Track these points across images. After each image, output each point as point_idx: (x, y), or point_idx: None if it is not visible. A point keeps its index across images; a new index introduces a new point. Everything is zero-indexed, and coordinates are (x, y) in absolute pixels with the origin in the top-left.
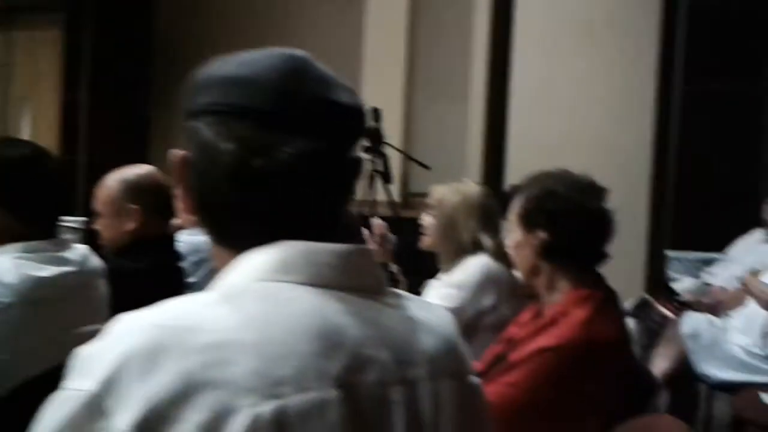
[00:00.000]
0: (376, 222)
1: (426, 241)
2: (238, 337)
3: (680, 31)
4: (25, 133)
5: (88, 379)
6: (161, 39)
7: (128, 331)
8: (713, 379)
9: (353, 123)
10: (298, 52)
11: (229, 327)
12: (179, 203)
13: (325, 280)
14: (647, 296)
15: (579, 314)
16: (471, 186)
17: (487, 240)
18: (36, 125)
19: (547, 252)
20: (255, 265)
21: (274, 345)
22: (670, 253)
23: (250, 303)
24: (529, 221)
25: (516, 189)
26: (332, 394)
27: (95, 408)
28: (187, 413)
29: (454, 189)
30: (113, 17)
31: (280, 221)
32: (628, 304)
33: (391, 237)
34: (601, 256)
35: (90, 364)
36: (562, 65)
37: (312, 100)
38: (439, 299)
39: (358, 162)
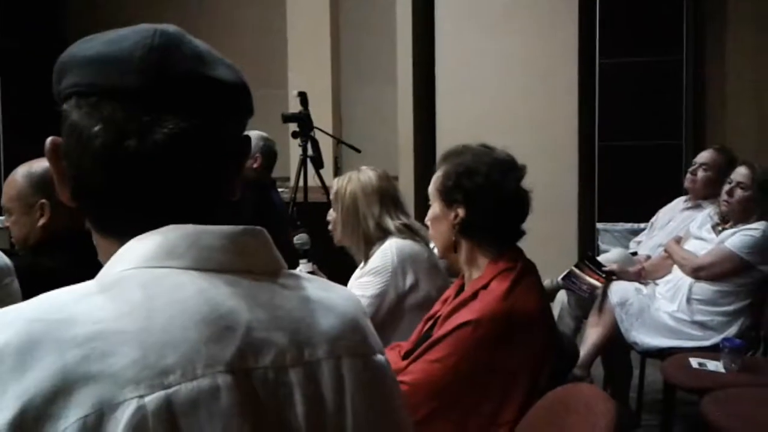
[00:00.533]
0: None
1: (336, 237)
2: (118, 326)
3: (598, 6)
4: None
5: None
6: (72, 27)
7: (1, 326)
8: (642, 346)
9: (232, 99)
10: (171, 27)
11: (107, 317)
12: (59, 193)
13: (212, 263)
14: (574, 268)
15: (499, 287)
16: (367, 173)
17: (390, 223)
18: None
19: (464, 228)
20: (137, 251)
21: (158, 333)
22: (600, 226)
23: (131, 291)
24: (447, 197)
25: (438, 162)
26: (224, 380)
27: None
28: (66, 409)
29: (349, 178)
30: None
31: (159, 205)
32: (560, 277)
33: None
34: (519, 233)
35: None
36: (486, 44)
37: (184, 76)
38: (359, 289)
39: (241, 140)
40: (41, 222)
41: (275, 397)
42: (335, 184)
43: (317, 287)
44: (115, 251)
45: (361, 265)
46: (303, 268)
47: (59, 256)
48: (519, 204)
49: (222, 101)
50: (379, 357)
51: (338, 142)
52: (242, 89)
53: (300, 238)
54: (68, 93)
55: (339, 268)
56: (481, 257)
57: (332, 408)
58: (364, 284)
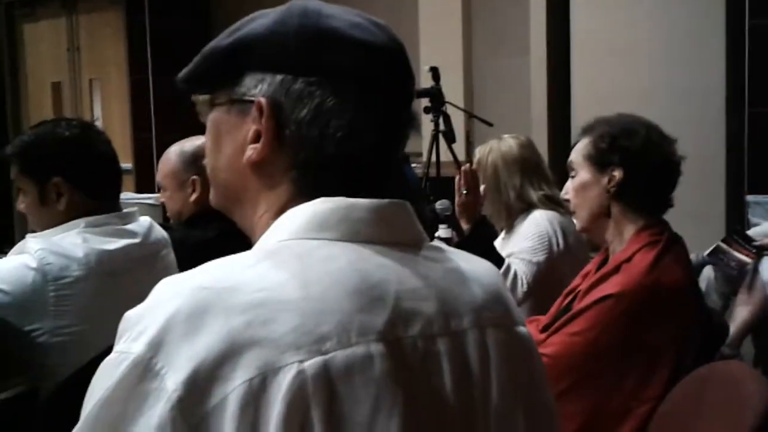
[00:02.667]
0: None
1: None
2: (279, 295)
3: None
4: (98, 114)
5: (136, 342)
6: (219, 8)
7: (172, 294)
8: None
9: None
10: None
11: (269, 286)
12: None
13: (362, 236)
14: (721, 243)
15: (643, 260)
16: (507, 141)
17: (533, 194)
18: (107, 106)
19: (619, 192)
20: (293, 224)
21: (314, 302)
22: (750, 198)
23: (289, 261)
24: (601, 160)
25: (581, 131)
26: (376, 348)
27: (145, 369)
28: (233, 372)
29: (490, 148)
30: None
31: (326, 170)
32: (705, 252)
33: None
34: (668, 203)
35: (136, 327)
36: (623, 11)
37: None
38: (527, 256)
39: (412, 115)
40: (193, 197)
41: (424, 365)
42: (477, 152)
43: (460, 258)
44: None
45: (502, 234)
46: (442, 233)
47: (210, 229)
48: (674, 170)
49: (377, 67)
50: (522, 329)
51: (470, 116)
52: (396, 52)
53: (442, 203)
54: (327, 71)
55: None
56: (628, 227)
57: (478, 377)
58: (526, 250)
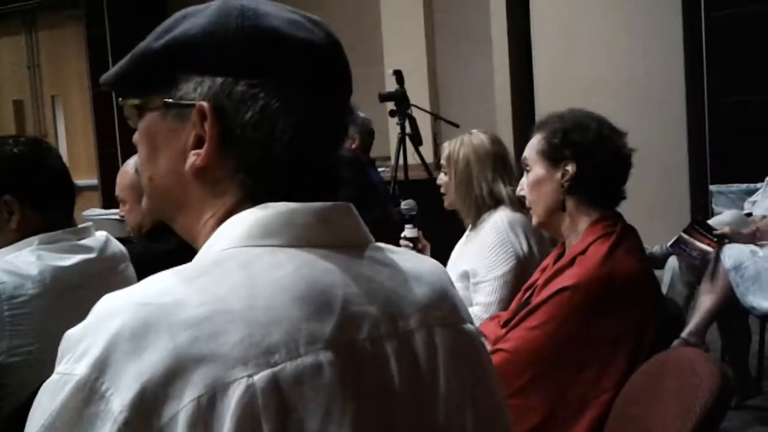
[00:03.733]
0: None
1: (446, 201)
2: (224, 307)
3: None
4: (61, 130)
5: (79, 363)
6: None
7: (113, 311)
8: (761, 310)
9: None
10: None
11: (212, 299)
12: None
13: (306, 240)
14: (683, 233)
15: (597, 252)
16: (479, 136)
17: (503, 189)
18: (70, 122)
19: (573, 186)
20: (235, 231)
21: (261, 312)
22: (713, 188)
23: (232, 271)
24: (554, 155)
25: (535, 128)
26: (325, 356)
27: (90, 391)
28: (181, 390)
29: (461, 141)
30: (127, 5)
31: (265, 171)
32: (669, 243)
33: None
34: (621, 196)
35: (79, 347)
36: (582, 7)
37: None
38: (487, 271)
39: (346, 110)
40: None
41: (373, 368)
42: (446, 147)
43: (405, 258)
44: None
45: (467, 231)
46: (408, 232)
47: (170, 240)
48: (625, 163)
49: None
50: (469, 326)
51: (436, 118)
52: (328, 49)
53: (407, 203)
54: (261, 71)
55: (442, 236)
56: (582, 220)
57: (427, 376)
58: (490, 265)
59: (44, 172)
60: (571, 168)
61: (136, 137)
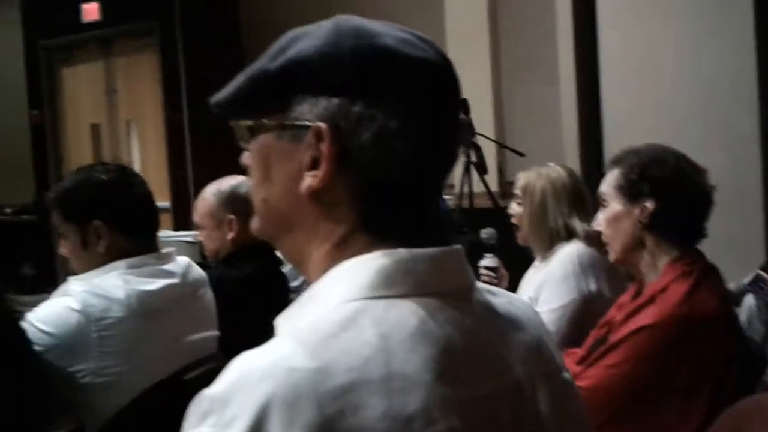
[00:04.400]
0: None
1: (520, 235)
2: (366, 376)
3: None
4: (135, 154)
5: (229, 429)
6: (250, 47)
7: (262, 374)
8: None
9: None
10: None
11: (356, 365)
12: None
13: (424, 289)
14: (760, 271)
15: (677, 290)
16: (556, 169)
17: (578, 224)
18: (144, 146)
19: (652, 223)
20: (359, 279)
21: (397, 380)
22: None
23: (367, 330)
24: (632, 191)
25: (611, 162)
26: (456, 419)
27: None
28: None
29: (539, 174)
30: (202, 35)
31: (386, 214)
32: (745, 280)
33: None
34: (702, 233)
35: (227, 411)
36: (653, 35)
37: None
38: (545, 303)
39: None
40: (230, 236)
41: (492, 423)
42: (521, 178)
43: (505, 303)
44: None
45: (536, 262)
46: (488, 262)
47: (245, 267)
48: (707, 199)
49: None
50: (566, 374)
51: (501, 146)
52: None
53: (487, 232)
54: (383, 91)
55: (509, 266)
56: (662, 258)
57: (535, 429)
58: (548, 298)
59: (131, 198)
60: (649, 204)
61: (247, 159)
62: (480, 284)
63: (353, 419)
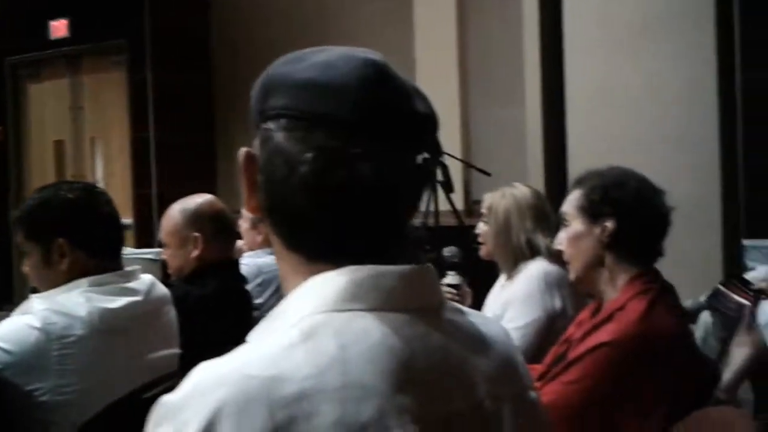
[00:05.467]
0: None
1: (484, 250)
2: (320, 384)
3: (737, 20)
4: (100, 172)
5: None
6: (220, 66)
7: (216, 381)
8: None
9: (428, 132)
10: (376, 56)
11: (312, 373)
12: (245, 202)
13: (391, 304)
14: (720, 286)
15: (635, 308)
16: (521, 188)
17: (542, 241)
18: (108, 163)
19: (612, 242)
20: (325, 293)
21: (353, 389)
22: (746, 242)
23: (327, 341)
24: (594, 211)
25: (573, 183)
26: (411, 430)
27: None
28: None
29: (503, 193)
30: (171, 53)
31: (352, 233)
32: (703, 296)
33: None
34: (659, 252)
35: (179, 417)
36: (618, 61)
37: (395, 110)
38: (510, 321)
39: (429, 172)
40: (194, 254)
41: None
42: (487, 198)
43: (474, 322)
44: (297, 267)
45: (501, 279)
46: (451, 279)
47: (209, 285)
48: (664, 220)
49: (418, 133)
50: (532, 394)
51: (468, 165)
52: (435, 122)
53: (450, 250)
54: (276, 114)
55: (474, 284)
56: (621, 276)
57: None
58: (513, 315)
59: (97, 217)
60: (610, 224)
61: None
62: (450, 304)
63: (305, 426)
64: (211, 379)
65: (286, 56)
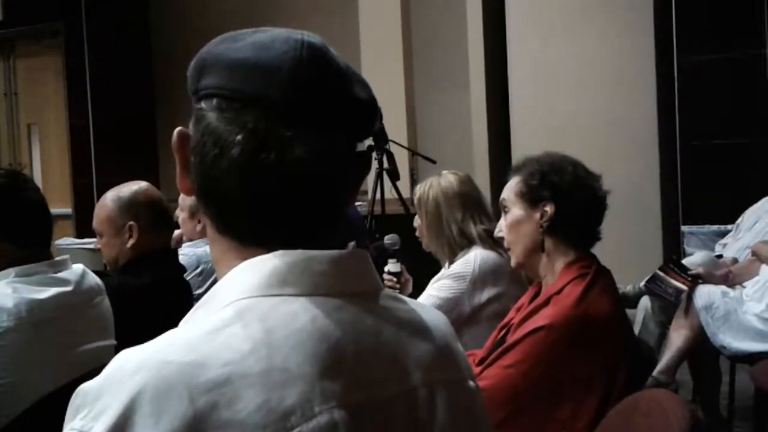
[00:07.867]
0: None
1: (423, 243)
2: (243, 369)
3: (674, 3)
4: (36, 159)
5: (97, 422)
6: (159, 50)
7: (135, 367)
8: (730, 350)
9: (368, 119)
10: (315, 38)
11: (234, 359)
12: (178, 182)
13: (321, 289)
14: (658, 271)
15: (572, 292)
16: (447, 177)
17: (473, 228)
18: (46, 150)
19: (551, 227)
20: (252, 278)
21: (278, 373)
22: (685, 228)
23: (252, 326)
24: (533, 196)
25: (512, 170)
26: (338, 414)
27: None
28: None
29: (430, 184)
30: (109, 37)
31: (285, 217)
32: (642, 282)
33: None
34: (596, 236)
35: (97, 404)
36: (559, 45)
37: (330, 94)
38: (435, 290)
39: (368, 159)
40: (130, 243)
41: (381, 427)
42: (417, 190)
43: (411, 309)
44: (228, 251)
45: (444, 268)
46: (391, 267)
47: (146, 275)
48: (601, 204)
49: (359, 121)
50: (470, 383)
51: (413, 153)
52: (375, 109)
53: (390, 238)
54: (209, 93)
55: (417, 271)
56: (559, 261)
57: None
58: (440, 286)
59: (22, 205)
60: (549, 208)
61: None
62: (388, 291)
63: (227, 412)
64: (129, 366)
65: (223, 36)
